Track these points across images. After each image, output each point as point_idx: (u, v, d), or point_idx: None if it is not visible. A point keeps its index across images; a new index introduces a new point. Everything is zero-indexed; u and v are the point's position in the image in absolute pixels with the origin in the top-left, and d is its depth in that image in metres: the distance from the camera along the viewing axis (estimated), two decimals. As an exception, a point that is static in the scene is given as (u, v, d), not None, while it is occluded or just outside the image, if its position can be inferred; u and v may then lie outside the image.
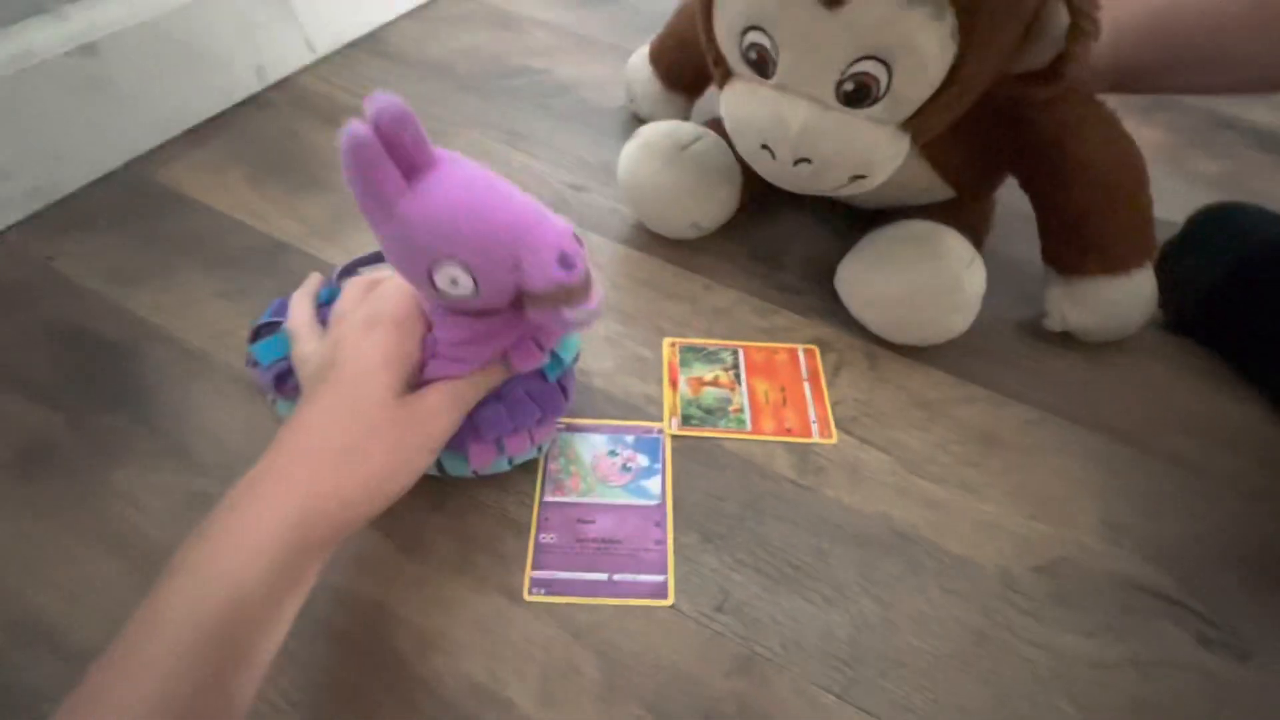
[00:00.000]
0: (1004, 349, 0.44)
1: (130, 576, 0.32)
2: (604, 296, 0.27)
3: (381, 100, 0.22)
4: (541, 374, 0.33)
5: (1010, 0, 0.30)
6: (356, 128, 0.22)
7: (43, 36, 0.46)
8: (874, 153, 0.35)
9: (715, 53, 0.37)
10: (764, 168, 0.38)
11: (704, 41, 0.37)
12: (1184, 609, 0.33)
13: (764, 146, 0.36)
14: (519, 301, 0.27)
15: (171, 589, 0.22)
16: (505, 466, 0.34)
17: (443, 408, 0.29)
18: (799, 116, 0.34)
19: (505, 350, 0.30)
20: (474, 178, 0.25)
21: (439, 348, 0.29)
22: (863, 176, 0.36)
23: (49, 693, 0.29)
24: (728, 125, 0.39)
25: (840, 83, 0.32)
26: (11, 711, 0.28)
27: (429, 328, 0.30)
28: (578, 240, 0.26)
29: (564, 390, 0.34)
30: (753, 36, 0.33)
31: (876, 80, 0.32)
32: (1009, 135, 0.39)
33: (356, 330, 0.29)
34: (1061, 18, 0.31)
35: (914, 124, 0.34)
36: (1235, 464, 0.39)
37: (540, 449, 0.36)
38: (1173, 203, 0.49)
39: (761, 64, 0.34)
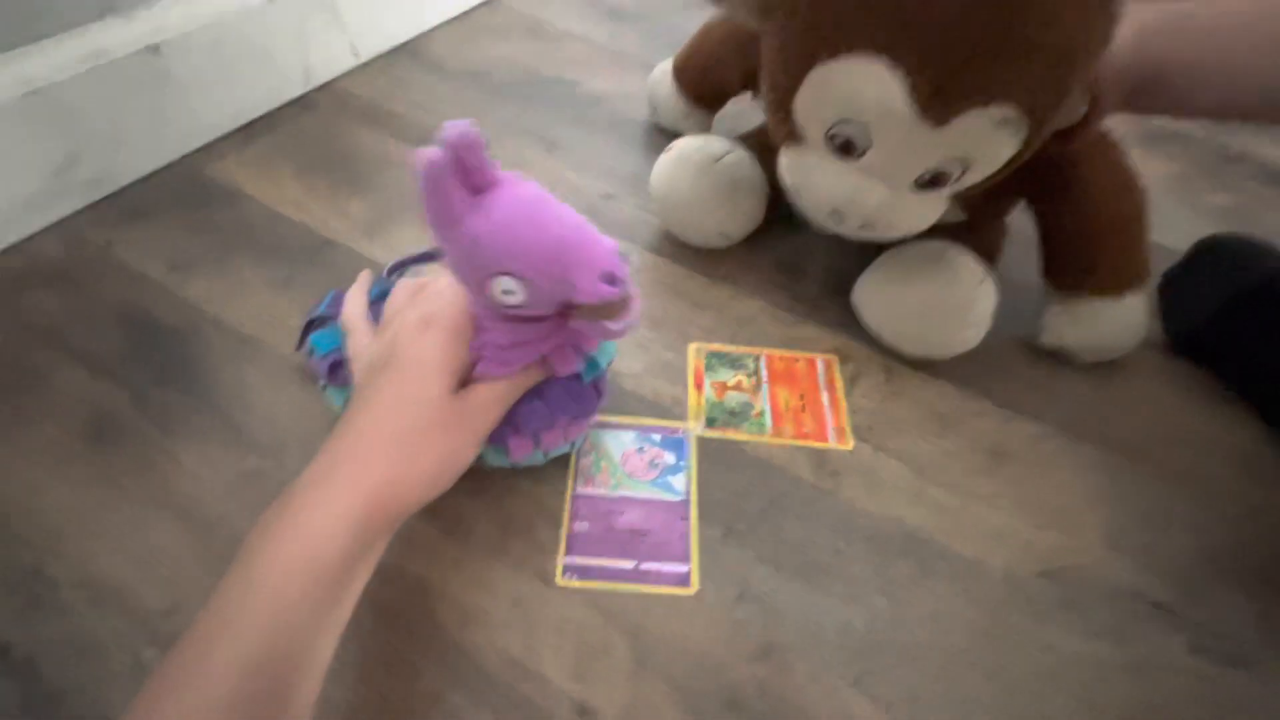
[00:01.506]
0: (1015, 366, 0.46)
1: (191, 544, 0.34)
2: (640, 309, 0.29)
3: (455, 126, 0.24)
4: (578, 375, 0.35)
5: (1067, 111, 0.34)
6: (431, 152, 0.24)
7: (113, 36, 0.49)
8: (928, 219, 0.39)
9: (784, 115, 0.38)
10: (822, 224, 0.41)
11: (772, 101, 0.38)
12: (1183, 619, 0.35)
13: (835, 212, 0.39)
14: (564, 310, 0.30)
15: (257, 558, 0.24)
16: (540, 460, 0.36)
17: (489, 404, 0.31)
18: (875, 197, 0.37)
19: (546, 354, 0.33)
20: (531, 198, 0.27)
21: (485, 350, 0.32)
22: (910, 233, 0.40)
23: (115, 647, 0.31)
24: (789, 185, 0.41)
25: (920, 176, 0.36)
26: (80, 661, 0.30)
27: (476, 332, 0.32)
28: (622, 259, 0.29)
29: (598, 391, 0.36)
30: (843, 127, 0.35)
31: (951, 174, 0.35)
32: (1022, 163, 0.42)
33: (412, 329, 0.31)
34: (1085, 98, 0.35)
35: (963, 194, 0.38)
36: (1235, 481, 0.41)
37: (574, 445, 0.38)
38: (1180, 232, 0.51)
39: (845, 148, 0.36)
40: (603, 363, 0.36)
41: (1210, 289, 0.45)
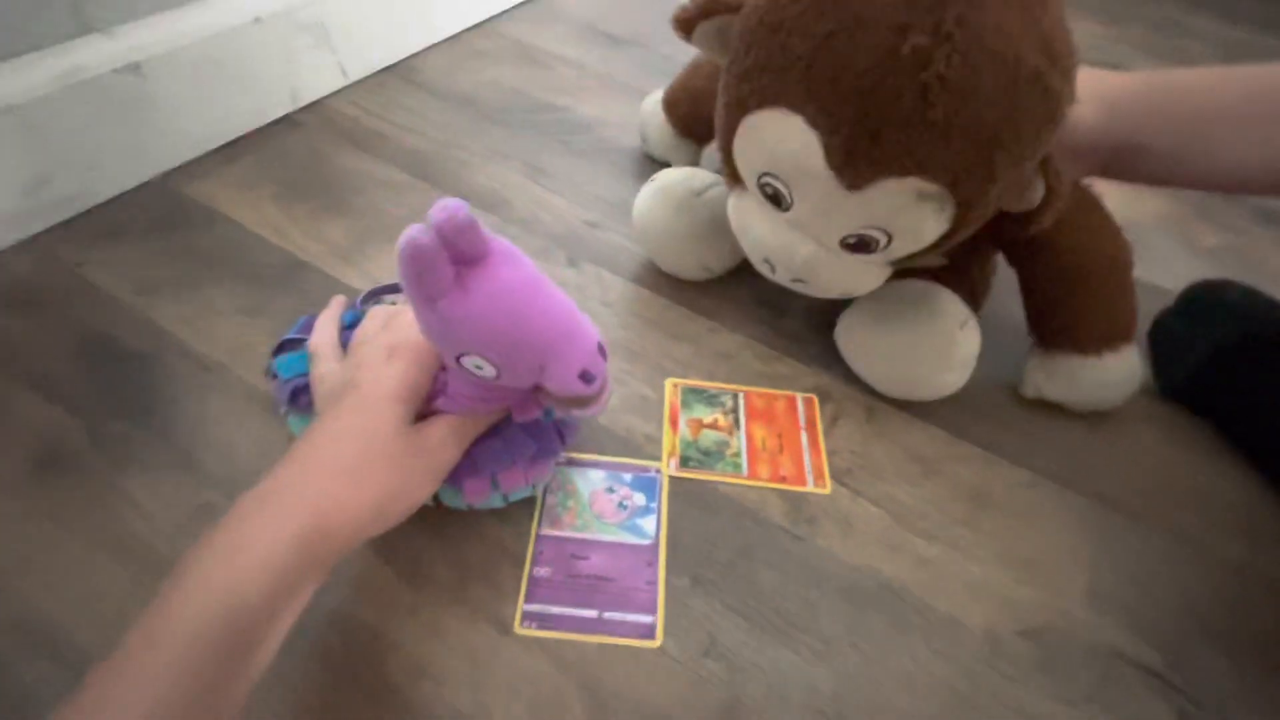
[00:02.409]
0: (1001, 410, 0.45)
1: (134, 586, 0.33)
2: (610, 394, 0.29)
3: (448, 207, 0.23)
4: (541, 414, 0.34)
5: (1005, 189, 0.33)
6: (418, 234, 0.23)
7: (93, 54, 0.48)
8: (863, 284, 0.39)
9: (729, 160, 0.38)
10: (762, 273, 0.41)
11: (720, 145, 0.39)
12: (1166, 684, 0.33)
13: (766, 260, 0.39)
14: (536, 388, 0.29)
15: (176, 597, 0.23)
16: (500, 503, 0.35)
17: (447, 440, 0.30)
18: (804, 252, 0.37)
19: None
20: (517, 286, 0.26)
21: (449, 391, 0.31)
22: (847, 294, 0.40)
23: (46, 696, 0.29)
24: (734, 228, 0.41)
25: (846, 237, 0.35)
26: (8, 712, 0.29)
27: (443, 365, 0.31)
28: (602, 352, 0.28)
29: (560, 433, 0.35)
30: (769, 179, 0.35)
31: (878, 241, 0.35)
32: (996, 215, 0.41)
33: (378, 356, 0.30)
34: (1039, 190, 0.34)
35: (902, 263, 0.38)
36: (1223, 538, 0.39)
37: (535, 487, 0.36)
38: (1173, 272, 0.50)
39: (775, 199, 0.36)
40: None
41: (1200, 336, 0.44)
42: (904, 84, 0.28)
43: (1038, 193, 0.34)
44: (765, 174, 0.35)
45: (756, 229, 0.38)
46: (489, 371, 0.28)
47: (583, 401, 0.28)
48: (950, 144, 0.30)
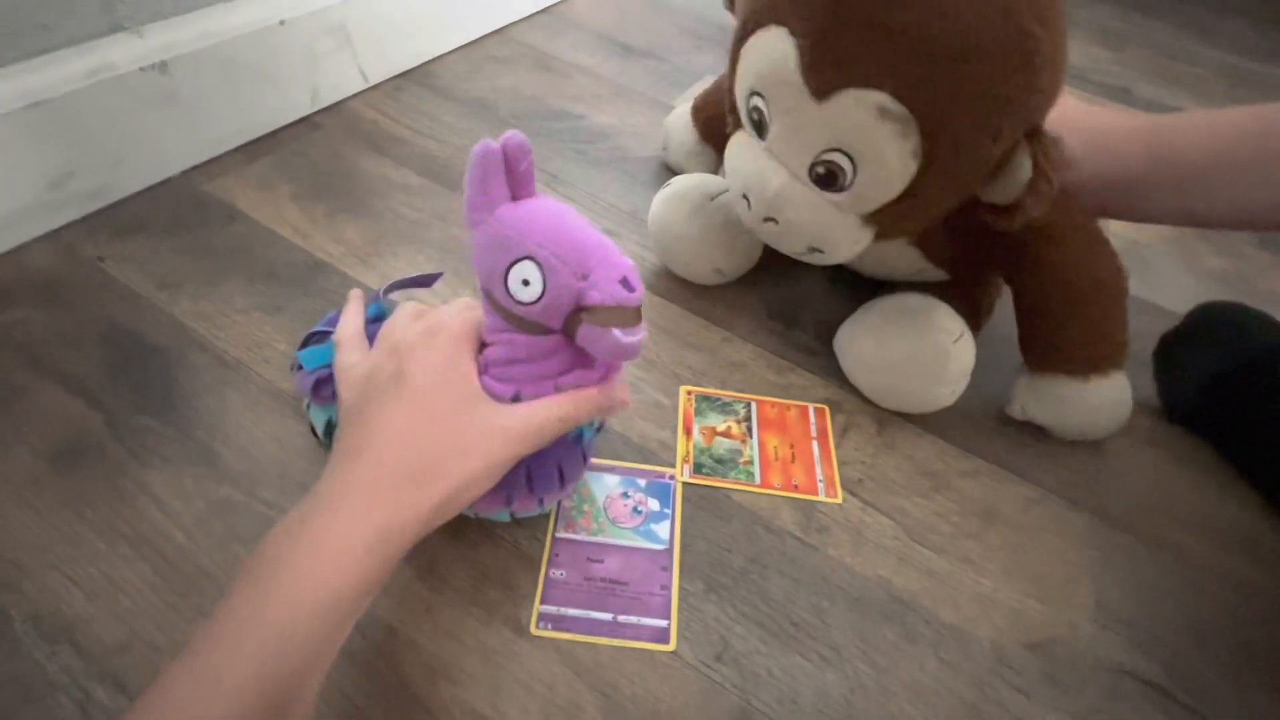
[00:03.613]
0: (1009, 427, 0.45)
1: (152, 578, 0.33)
2: (646, 335, 0.29)
3: (513, 134, 0.28)
4: (574, 444, 0.34)
5: (973, 137, 0.33)
6: (489, 142, 0.28)
7: (122, 52, 0.49)
8: (832, 232, 0.38)
9: (731, 102, 0.40)
10: (741, 215, 0.42)
11: (727, 89, 0.40)
12: (1171, 699, 0.34)
13: (744, 195, 0.40)
14: (570, 325, 0.29)
15: (268, 581, 0.23)
16: (506, 518, 0.35)
17: (519, 437, 0.29)
18: (776, 180, 0.37)
19: (559, 381, 0.31)
20: (564, 206, 0.30)
21: (488, 366, 0.31)
22: (820, 251, 0.39)
23: (67, 685, 0.29)
24: (726, 168, 0.42)
25: (813, 164, 0.35)
26: (24, 700, 0.29)
27: (481, 346, 0.31)
28: (639, 277, 0.29)
29: (585, 458, 0.35)
30: (756, 100, 0.37)
31: (843, 171, 0.35)
32: (996, 233, 0.40)
33: (418, 339, 0.30)
34: (1026, 170, 0.33)
35: (875, 220, 0.37)
36: (1227, 558, 0.40)
37: (546, 507, 0.36)
38: (1176, 295, 0.51)
39: (759, 125, 0.37)
40: (586, 431, 0.35)
41: (1204, 358, 0.45)
42: None
43: (1023, 170, 0.33)
44: (753, 93, 0.36)
45: (739, 161, 0.39)
46: (535, 286, 0.28)
47: (624, 316, 0.28)
48: (912, 55, 0.30)
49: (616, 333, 0.28)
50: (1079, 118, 0.41)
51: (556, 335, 0.30)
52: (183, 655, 0.22)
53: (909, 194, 0.34)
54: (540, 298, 0.28)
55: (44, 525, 0.34)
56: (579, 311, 0.28)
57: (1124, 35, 1.00)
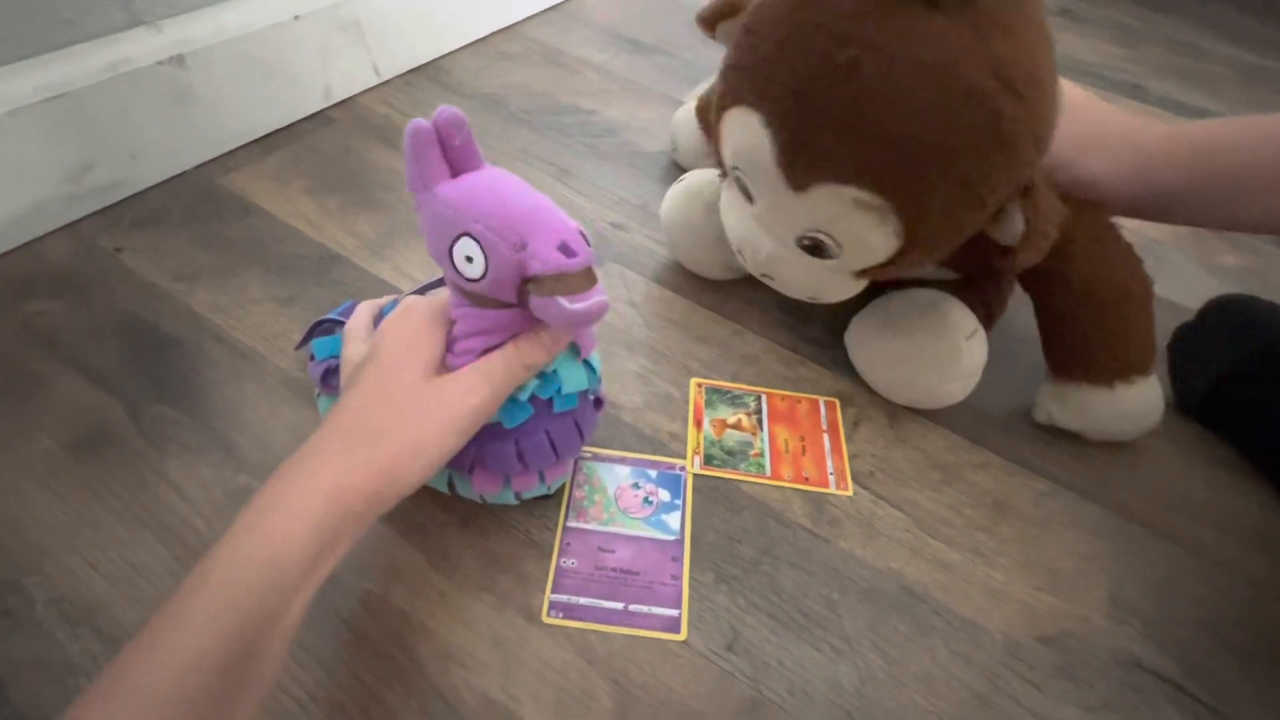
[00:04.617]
0: (1021, 420, 0.45)
1: (171, 563, 0.33)
2: (606, 302, 0.28)
3: (444, 110, 0.28)
4: (548, 405, 0.33)
5: (954, 214, 0.33)
6: (419, 121, 0.28)
7: (140, 46, 0.49)
8: (826, 288, 0.40)
9: (719, 157, 0.40)
10: (740, 262, 0.42)
11: (712, 141, 0.40)
12: (1185, 693, 0.34)
13: (739, 251, 0.41)
14: (522, 299, 0.29)
15: (221, 548, 0.24)
16: (512, 500, 0.35)
17: (471, 388, 0.29)
18: (766, 247, 0.38)
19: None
20: (502, 177, 0.29)
21: (454, 342, 0.31)
22: (818, 299, 0.40)
23: (89, 668, 0.30)
24: (722, 216, 0.42)
25: (799, 239, 0.36)
26: (47, 681, 0.30)
27: (452, 324, 0.32)
28: (584, 239, 0.28)
29: (580, 431, 0.35)
30: (738, 174, 0.37)
31: (828, 246, 0.35)
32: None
33: (391, 322, 0.31)
34: (1018, 224, 0.33)
35: (867, 274, 0.38)
36: (1241, 552, 0.40)
37: (550, 487, 0.36)
38: (1192, 290, 0.51)
39: (745, 193, 0.38)
40: (574, 390, 0.33)
41: (1218, 351, 0.44)
42: (835, 89, 0.30)
43: (1017, 225, 0.33)
44: (735, 167, 0.37)
45: (731, 219, 0.40)
46: (478, 262, 0.28)
47: (568, 283, 0.27)
48: (879, 152, 0.30)
49: (562, 300, 0.27)
50: (1117, 131, 0.40)
51: (516, 308, 0.30)
52: (135, 637, 0.23)
53: (896, 259, 0.35)
54: (485, 274, 0.28)
55: (66, 511, 0.35)
56: (526, 283, 0.28)
57: (1137, 32, 0.99)
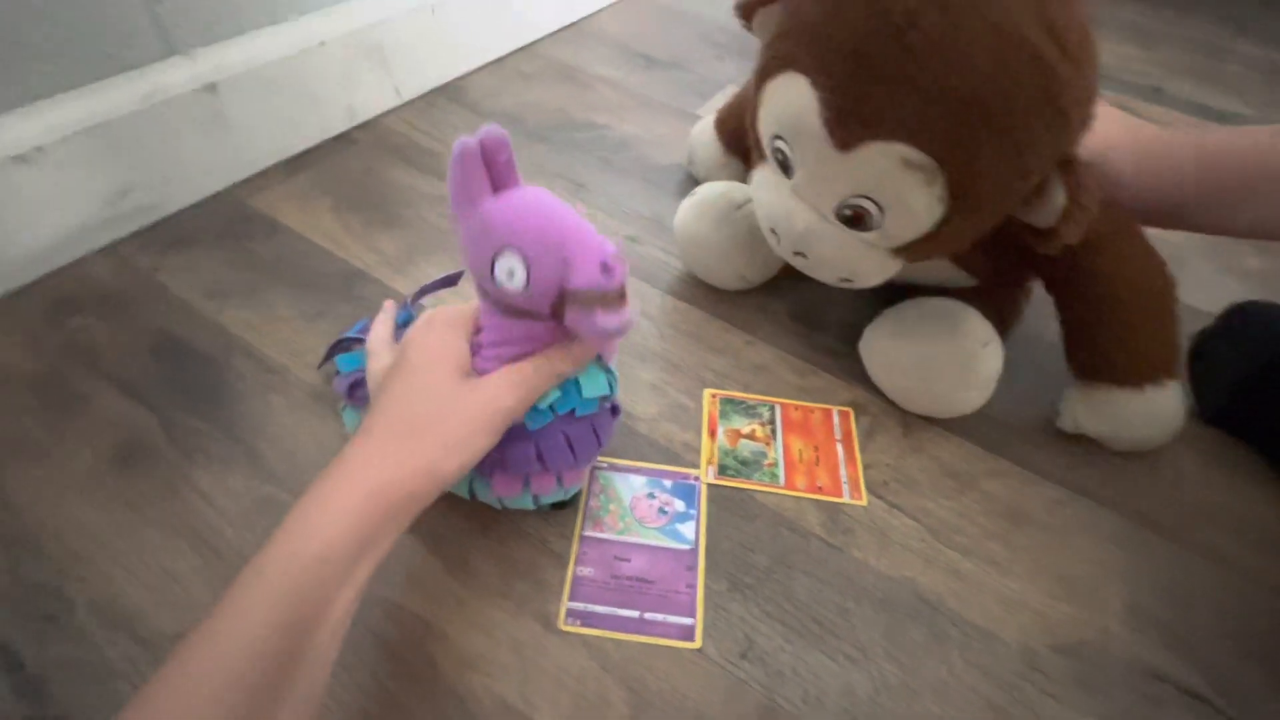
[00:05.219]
0: (1035, 427, 0.45)
1: (204, 570, 0.35)
2: (635, 319, 0.30)
3: (490, 129, 0.29)
4: (571, 411, 0.34)
5: (1001, 179, 0.32)
6: (467, 140, 0.29)
7: (175, 75, 0.52)
8: (861, 266, 0.39)
9: (755, 135, 0.40)
10: (771, 245, 0.42)
11: (749, 123, 0.40)
12: (1205, 703, 0.33)
13: (772, 230, 0.40)
14: (558, 310, 0.30)
15: (273, 544, 0.25)
16: (530, 505, 0.36)
17: (504, 390, 0.31)
18: (803, 220, 0.38)
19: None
20: (546, 196, 0.31)
21: (479, 348, 0.32)
22: (850, 280, 0.40)
23: (126, 671, 0.31)
24: (753, 198, 0.42)
25: (840, 208, 0.36)
26: (88, 683, 0.31)
27: (478, 330, 0.33)
28: (620, 260, 0.30)
29: (598, 436, 0.35)
30: (779, 144, 0.37)
31: (870, 214, 0.35)
32: (1022, 230, 0.40)
33: (417, 331, 0.33)
34: (1060, 198, 0.33)
35: (905, 252, 0.37)
36: (1262, 560, 0.39)
37: (567, 492, 0.37)
38: (1213, 295, 0.50)
39: (784, 166, 0.38)
40: (594, 395, 0.34)
41: (1240, 356, 0.44)
42: (892, 44, 0.30)
43: (1057, 199, 0.33)
44: (776, 137, 0.37)
45: (765, 196, 0.40)
46: (519, 276, 0.29)
47: (606, 299, 0.29)
48: (934, 108, 0.30)
49: (599, 314, 0.29)
50: (1126, 134, 0.40)
51: (547, 320, 0.31)
52: (193, 631, 0.24)
53: (938, 229, 0.35)
54: (526, 286, 0.30)
55: (105, 520, 0.37)
56: (564, 296, 0.30)
57: (1155, 33, 0.98)
